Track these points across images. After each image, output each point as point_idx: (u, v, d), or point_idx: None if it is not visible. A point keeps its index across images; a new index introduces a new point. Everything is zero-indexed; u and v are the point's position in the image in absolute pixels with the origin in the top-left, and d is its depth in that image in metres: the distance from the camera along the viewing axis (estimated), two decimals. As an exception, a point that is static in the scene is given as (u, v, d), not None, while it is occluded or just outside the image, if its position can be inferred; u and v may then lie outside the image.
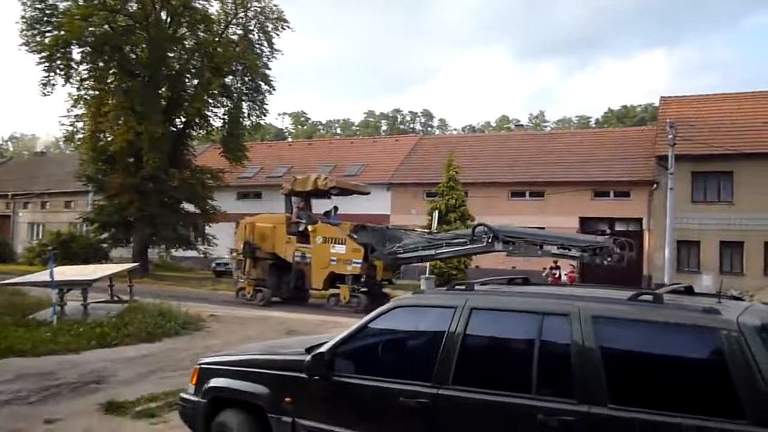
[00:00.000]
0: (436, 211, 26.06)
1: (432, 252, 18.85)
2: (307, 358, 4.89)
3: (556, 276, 25.13)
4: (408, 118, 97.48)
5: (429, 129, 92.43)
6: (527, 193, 34.85)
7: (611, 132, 45.82)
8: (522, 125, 61.65)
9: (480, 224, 17.65)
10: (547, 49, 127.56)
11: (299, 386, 4.95)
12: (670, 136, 25.59)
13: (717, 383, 3.67)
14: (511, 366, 4.37)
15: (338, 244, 19.96)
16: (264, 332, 13.59)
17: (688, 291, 4.90)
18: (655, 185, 30.99)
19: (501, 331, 4.53)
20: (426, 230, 22.38)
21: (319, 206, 23.32)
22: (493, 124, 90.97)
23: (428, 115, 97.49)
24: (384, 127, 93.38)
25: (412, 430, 4.47)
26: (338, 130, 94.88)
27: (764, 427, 3.43)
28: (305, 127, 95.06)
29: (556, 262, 23.22)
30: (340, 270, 19.94)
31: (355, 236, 20.27)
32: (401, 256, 19.41)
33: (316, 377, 4.85)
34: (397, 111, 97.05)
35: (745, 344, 3.59)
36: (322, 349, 4.94)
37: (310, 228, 20.59)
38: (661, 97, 36.07)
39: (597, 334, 3.98)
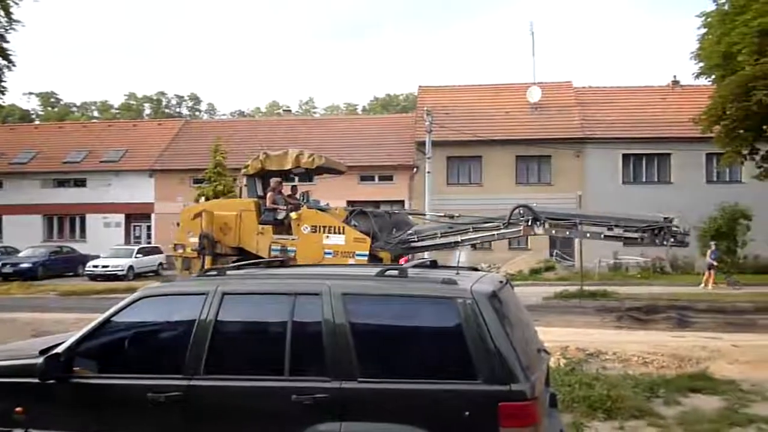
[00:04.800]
0: (203, 198, 25.25)
1: (456, 239, 16.43)
2: (40, 360, 4.39)
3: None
4: (174, 101, 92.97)
5: (197, 113, 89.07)
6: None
7: (376, 119, 47.99)
8: (291, 111, 62.16)
9: (520, 205, 15.68)
10: (318, 35, 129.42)
11: (32, 393, 4.46)
12: (427, 123, 27.40)
13: (455, 349, 3.91)
14: (264, 349, 4.30)
15: (334, 233, 16.52)
16: (4, 337, 12.07)
17: (433, 265, 5.22)
18: (415, 169, 33.03)
19: (253, 314, 4.46)
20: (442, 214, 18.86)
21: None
22: (263, 110, 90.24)
23: (196, 99, 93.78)
24: (147, 111, 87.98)
25: (165, 426, 4.23)
26: (95, 113, 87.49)
27: (493, 385, 3.74)
28: (56, 109, 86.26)
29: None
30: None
31: (355, 224, 17.00)
32: (416, 245, 16.72)
33: (51, 381, 4.38)
34: (162, 94, 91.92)
35: (477, 310, 3.89)
36: (58, 349, 4.48)
37: (293, 215, 16.80)
38: (420, 86, 38.52)
39: (347, 311, 4.07)
